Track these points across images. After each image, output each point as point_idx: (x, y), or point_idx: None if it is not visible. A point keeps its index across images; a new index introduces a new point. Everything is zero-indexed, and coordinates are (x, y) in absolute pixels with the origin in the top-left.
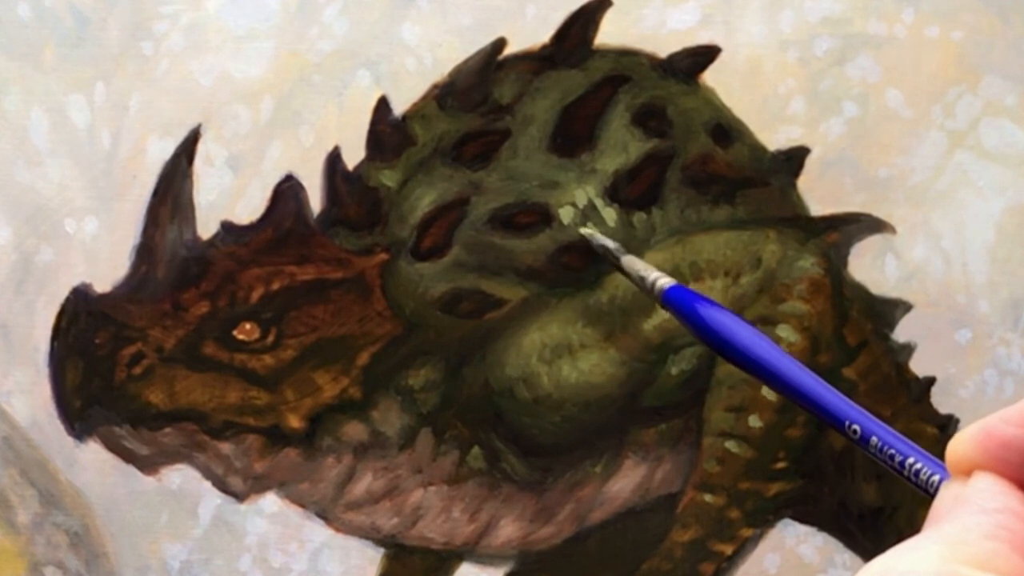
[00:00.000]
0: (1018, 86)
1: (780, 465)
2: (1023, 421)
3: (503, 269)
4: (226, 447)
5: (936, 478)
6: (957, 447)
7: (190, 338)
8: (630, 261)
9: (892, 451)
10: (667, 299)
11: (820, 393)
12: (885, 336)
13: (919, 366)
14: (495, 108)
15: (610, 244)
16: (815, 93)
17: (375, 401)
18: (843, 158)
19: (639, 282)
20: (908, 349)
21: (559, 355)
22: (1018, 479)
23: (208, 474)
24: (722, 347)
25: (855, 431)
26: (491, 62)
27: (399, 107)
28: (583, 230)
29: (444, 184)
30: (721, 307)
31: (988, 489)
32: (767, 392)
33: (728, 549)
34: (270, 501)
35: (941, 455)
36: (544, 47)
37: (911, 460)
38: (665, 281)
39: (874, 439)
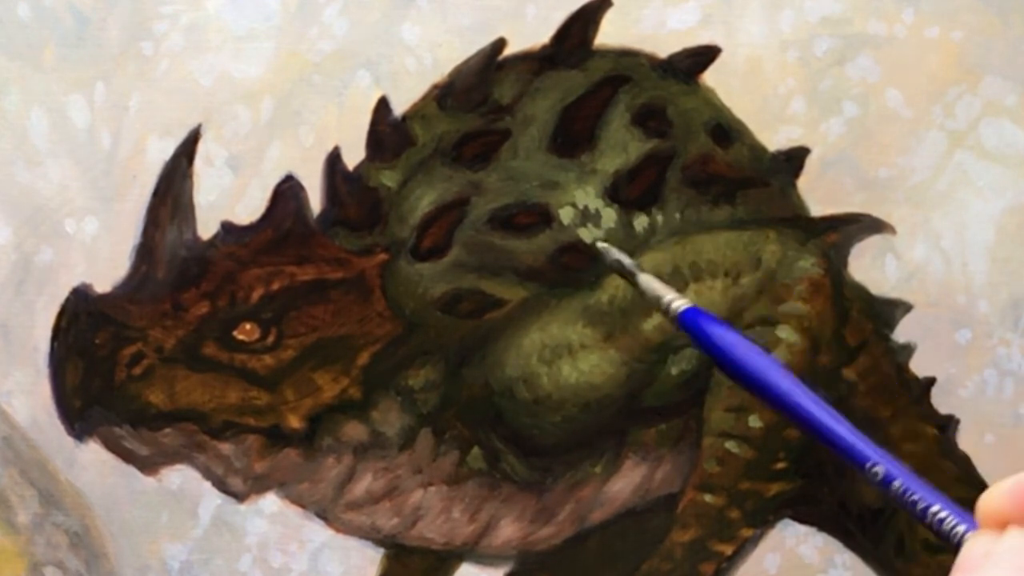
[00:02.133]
0: (1018, 86)
1: (780, 465)
2: None
3: (503, 269)
4: (226, 447)
5: (961, 529)
6: (991, 500)
7: (190, 338)
8: (647, 280)
9: (916, 497)
10: (683, 322)
11: (841, 433)
12: (885, 336)
13: (919, 366)
14: (495, 108)
15: (626, 261)
16: (815, 93)
17: (375, 401)
18: (843, 158)
19: (654, 303)
20: (908, 349)
21: (559, 355)
22: None
23: (208, 474)
24: (739, 375)
25: (876, 473)
26: (491, 62)
27: (399, 107)
28: (599, 244)
29: (444, 184)
30: (737, 332)
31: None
32: None
33: (728, 549)
34: (270, 501)
35: (941, 455)
36: (544, 47)
37: (935, 508)
38: (680, 303)
39: (896, 483)
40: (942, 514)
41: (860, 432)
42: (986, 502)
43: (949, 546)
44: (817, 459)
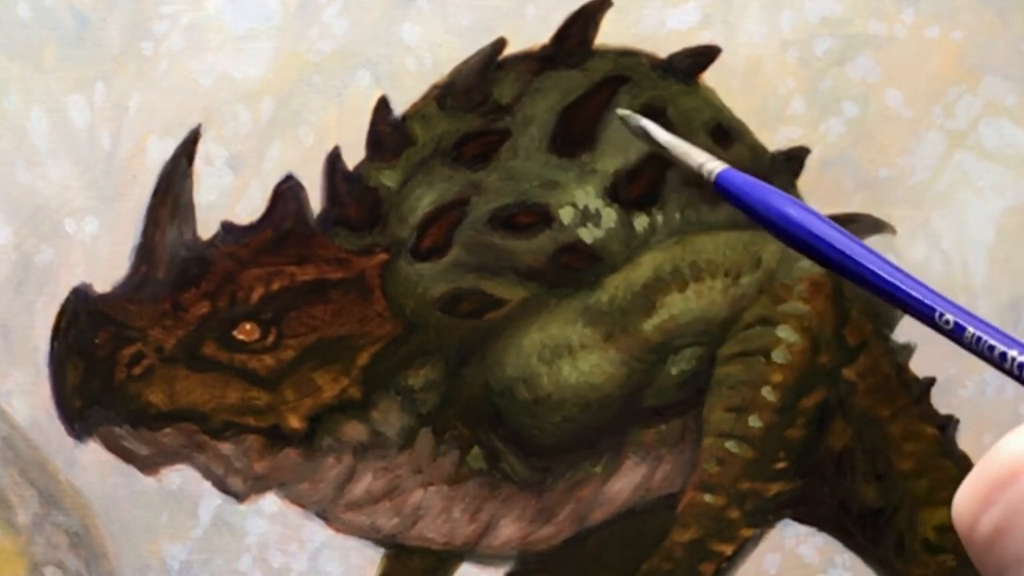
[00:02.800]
0: (1018, 86)
1: (780, 465)
2: None
3: (503, 269)
4: (226, 447)
5: None
6: None
7: (190, 338)
8: (674, 143)
9: (992, 342)
10: (720, 186)
11: (904, 282)
12: (885, 336)
13: (919, 366)
14: (495, 108)
15: (650, 126)
16: (815, 93)
17: (375, 401)
18: (843, 158)
19: (686, 166)
20: (908, 349)
21: (559, 355)
22: None
23: (208, 474)
24: (786, 236)
25: (947, 322)
26: (491, 62)
27: (399, 107)
28: (619, 111)
29: (444, 184)
30: (782, 193)
31: None
32: (767, 392)
33: (728, 549)
34: (270, 501)
35: (941, 455)
36: (544, 47)
37: (1014, 353)
38: (715, 165)
39: (970, 330)
40: (1022, 358)
41: (921, 281)
42: None
43: None
44: (817, 459)
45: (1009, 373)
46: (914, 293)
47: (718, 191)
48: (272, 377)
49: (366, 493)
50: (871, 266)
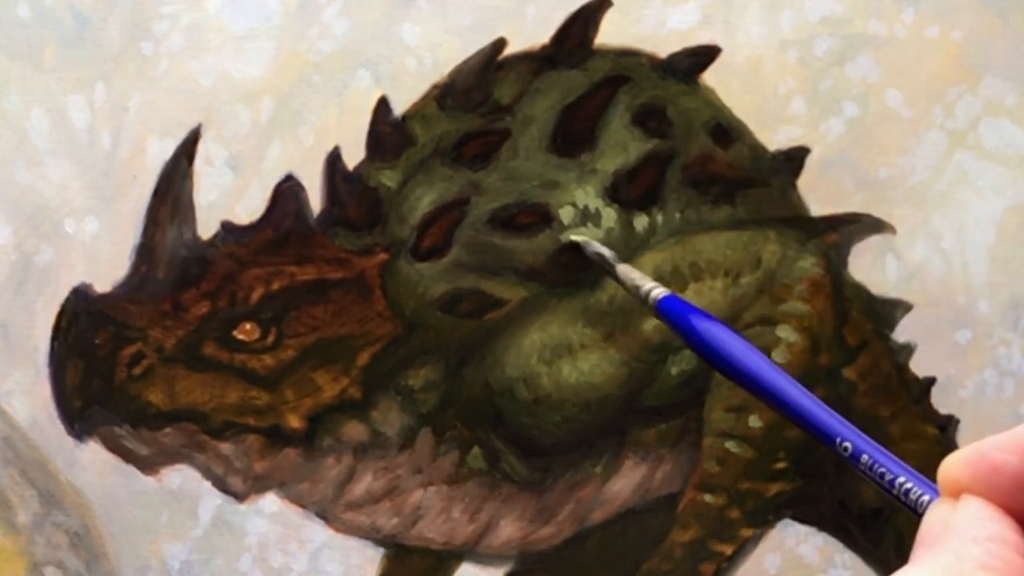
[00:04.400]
0: (1018, 86)
1: (780, 465)
2: (1015, 448)
3: (503, 269)
4: (226, 447)
5: (926, 498)
6: (949, 468)
7: (190, 338)
8: (625, 270)
9: (883, 470)
10: (661, 309)
11: (811, 410)
12: (885, 336)
13: (919, 366)
14: (495, 108)
15: (605, 252)
16: (815, 93)
17: (375, 401)
18: (843, 158)
19: (634, 291)
20: (908, 349)
21: (559, 355)
22: (1006, 506)
23: (208, 474)
24: (715, 359)
25: (846, 448)
26: (491, 62)
27: (399, 107)
28: (574, 237)
29: (444, 184)
30: (715, 319)
31: (977, 516)
32: None
33: (728, 549)
34: (270, 501)
35: (942, 456)
36: (544, 47)
37: (901, 479)
38: (659, 291)
39: (864, 457)
40: (908, 484)
41: (829, 409)
42: (945, 471)
43: (916, 516)
44: (817, 459)
45: (897, 499)
46: (818, 417)
47: (658, 315)
48: (272, 377)
49: (366, 493)
50: (786, 392)
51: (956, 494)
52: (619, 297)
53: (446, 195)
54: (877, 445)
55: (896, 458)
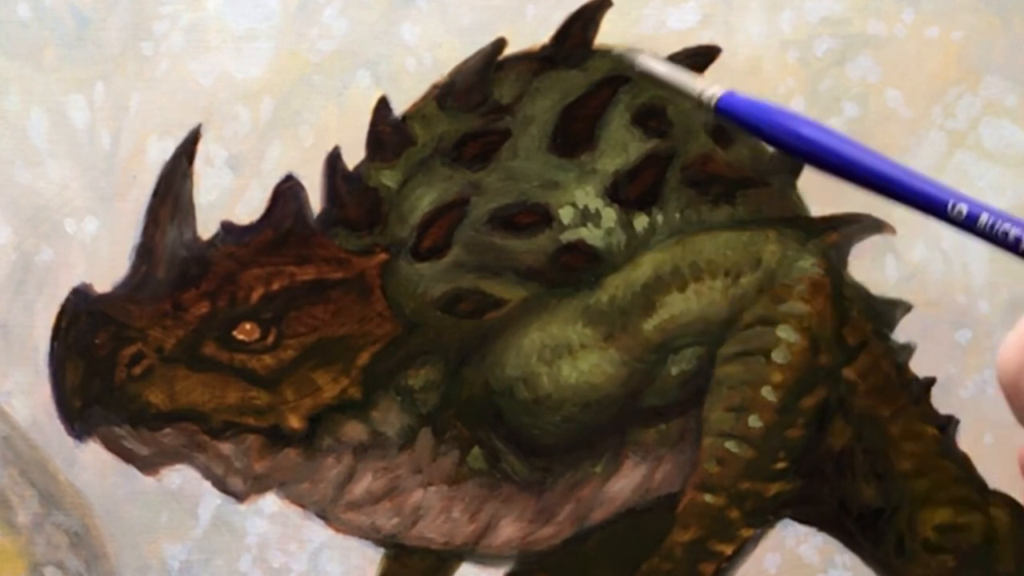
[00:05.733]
0: (1018, 86)
1: (780, 465)
2: None
3: (503, 269)
4: (226, 447)
5: None
6: None
7: (190, 338)
8: (674, 73)
9: (1007, 227)
10: (721, 111)
11: (912, 180)
12: (885, 336)
13: (919, 366)
14: (495, 108)
15: (646, 61)
16: (815, 93)
17: (375, 401)
18: None
19: (689, 95)
20: (908, 349)
21: (559, 355)
22: None
23: (208, 474)
24: (791, 145)
25: (959, 212)
26: (491, 62)
27: (399, 107)
28: (617, 50)
29: (444, 184)
30: (783, 109)
31: None
32: (767, 392)
33: (728, 549)
34: (270, 501)
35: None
36: (544, 47)
37: None
38: (714, 91)
39: (984, 216)
40: None
41: (927, 177)
42: None
43: None
44: (817, 459)
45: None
46: (926, 188)
47: (719, 115)
48: (272, 377)
49: (366, 493)
50: (880, 168)
51: None
52: (619, 297)
53: (446, 195)
54: (992, 206)
55: (1014, 216)
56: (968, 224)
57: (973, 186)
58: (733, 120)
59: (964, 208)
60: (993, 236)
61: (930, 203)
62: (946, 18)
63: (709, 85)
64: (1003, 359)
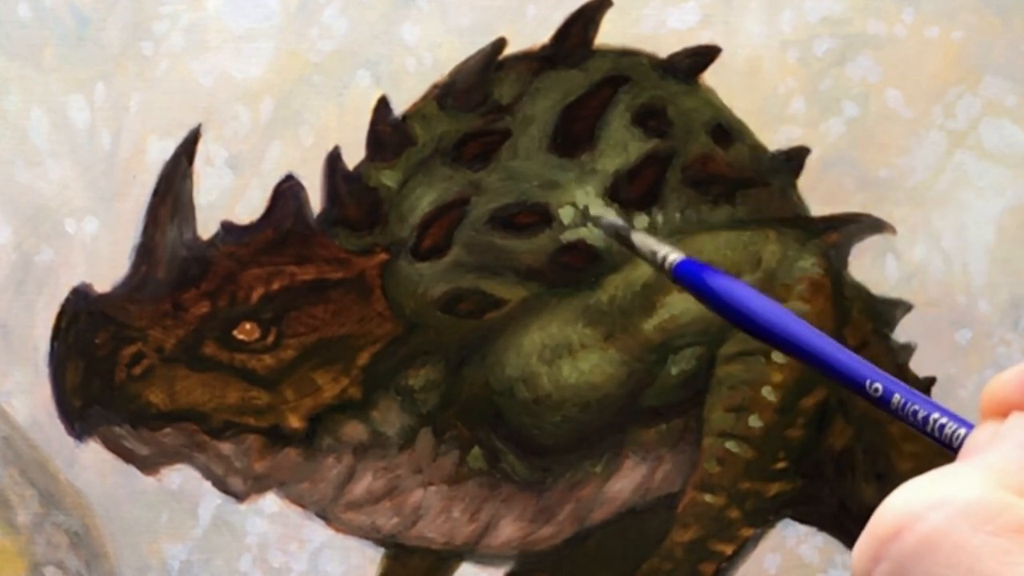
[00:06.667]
0: (1018, 86)
1: (780, 465)
2: None
3: (503, 269)
4: (226, 447)
5: (962, 431)
6: (997, 389)
7: (190, 338)
8: (641, 238)
9: (915, 407)
10: (677, 274)
11: (838, 356)
12: (885, 336)
13: (919, 366)
14: (495, 108)
15: (619, 223)
16: (815, 93)
17: (375, 401)
18: (843, 158)
19: (651, 258)
20: (908, 349)
21: (559, 355)
22: None
23: (208, 474)
24: (736, 317)
25: (876, 390)
26: (491, 62)
27: (399, 107)
28: (593, 212)
29: (444, 184)
30: (731, 277)
31: None
32: (767, 392)
33: (728, 549)
34: (270, 501)
35: (942, 457)
36: (544, 47)
37: (935, 416)
38: (675, 256)
39: (896, 397)
40: (943, 420)
41: (855, 355)
42: (991, 392)
43: (951, 451)
44: (817, 459)
45: (931, 436)
46: (845, 362)
47: (675, 280)
48: (272, 377)
49: (366, 493)
50: (812, 341)
51: (1004, 413)
52: (619, 297)
53: (446, 195)
54: (907, 385)
55: (927, 397)
56: (883, 403)
57: (973, 186)
58: (685, 287)
59: (880, 387)
60: (904, 416)
61: (852, 380)
62: (946, 18)
63: (671, 250)
64: (854, 563)
